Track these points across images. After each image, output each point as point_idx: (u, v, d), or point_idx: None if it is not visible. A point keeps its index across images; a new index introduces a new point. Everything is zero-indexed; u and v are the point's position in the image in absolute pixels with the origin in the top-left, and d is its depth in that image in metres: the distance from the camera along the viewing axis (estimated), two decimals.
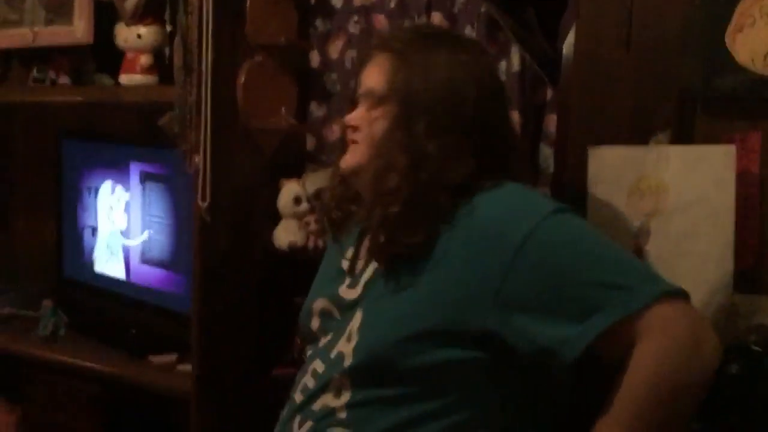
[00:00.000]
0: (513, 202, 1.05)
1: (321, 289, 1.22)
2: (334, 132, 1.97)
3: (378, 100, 1.11)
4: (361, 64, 1.18)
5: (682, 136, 1.19)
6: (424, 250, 1.05)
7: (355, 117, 1.14)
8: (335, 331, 1.14)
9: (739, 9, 1.12)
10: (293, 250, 1.86)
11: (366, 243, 1.15)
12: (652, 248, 1.21)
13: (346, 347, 1.09)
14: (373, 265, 1.12)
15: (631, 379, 0.95)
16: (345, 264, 1.18)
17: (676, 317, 0.96)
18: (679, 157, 1.18)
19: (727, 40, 1.14)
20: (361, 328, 1.08)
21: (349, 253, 1.19)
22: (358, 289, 1.13)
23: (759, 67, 1.11)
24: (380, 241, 1.08)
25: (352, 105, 1.18)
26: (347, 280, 1.16)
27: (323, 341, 1.15)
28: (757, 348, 1.07)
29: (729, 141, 1.14)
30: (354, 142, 1.14)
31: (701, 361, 0.95)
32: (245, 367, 1.88)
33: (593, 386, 1.01)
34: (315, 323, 1.19)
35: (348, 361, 1.07)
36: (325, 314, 1.18)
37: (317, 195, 1.82)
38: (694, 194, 1.17)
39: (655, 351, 0.94)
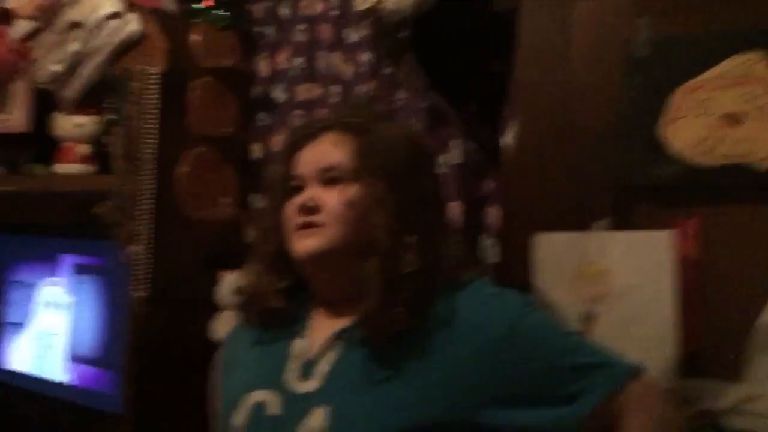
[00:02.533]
0: (491, 302, 1.04)
1: (257, 378, 1.09)
2: None
3: (350, 176, 1.05)
4: (296, 147, 1.11)
5: (623, 223, 1.23)
6: (410, 339, 1.01)
7: (309, 197, 1.06)
8: (275, 430, 1.03)
9: (673, 101, 1.18)
10: None
11: (318, 327, 1.08)
12: (598, 333, 1.22)
13: None
14: (333, 354, 1.05)
15: None
16: (296, 347, 1.08)
17: (647, 391, 1.03)
18: (620, 243, 1.21)
19: (660, 131, 1.20)
20: (334, 425, 0.99)
21: (300, 337, 1.09)
22: (316, 381, 1.03)
23: (692, 157, 1.16)
24: (382, 321, 1.00)
25: (290, 190, 1.10)
26: (296, 370, 1.06)
27: None
28: None
29: (669, 227, 1.17)
30: (313, 224, 1.05)
31: (674, 426, 1.06)
32: None
33: None
34: (240, 419, 1.06)
35: None
36: (257, 409, 1.06)
37: None
38: (637, 279, 1.20)
39: (641, 425, 1.01)
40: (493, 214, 1.71)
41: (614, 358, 1.03)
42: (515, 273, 1.31)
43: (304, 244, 1.05)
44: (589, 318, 1.23)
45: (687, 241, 1.17)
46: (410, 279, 1.01)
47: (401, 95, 1.86)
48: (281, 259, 1.10)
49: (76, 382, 2.03)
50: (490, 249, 1.73)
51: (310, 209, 1.05)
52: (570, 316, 1.23)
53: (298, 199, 1.07)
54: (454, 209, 1.78)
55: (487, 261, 1.74)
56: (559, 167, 1.28)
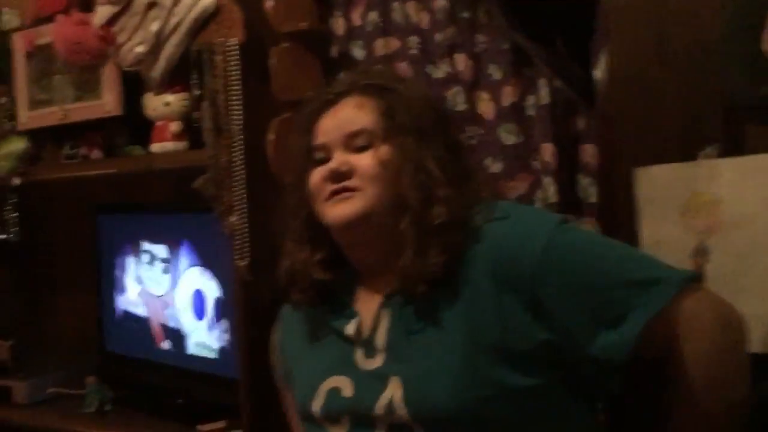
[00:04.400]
0: (522, 223, 1.03)
1: (327, 366, 1.09)
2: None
3: (378, 138, 1.05)
4: (315, 116, 1.10)
5: (733, 148, 1.15)
6: (454, 287, 1.00)
7: (340, 162, 1.05)
8: (352, 412, 1.03)
9: None
10: None
11: (365, 303, 1.09)
12: (712, 267, 1.17)
13: (392, 419, 0.99)
14: (383, 326, 1.05)
15: (688, 391, 0.96)
16: (350, 329, 1.08)
17: (700, 306, 0.97)
18: (731, 170, 1.15)
19: (765, 45, 1.11)
20: (408, 393, 0.99)
21: (351, 319, 1.09)
22: (381, 355, 1.04)
23: None
24: (418, 273, 1.00)
25: (313, 162, 1.09)
26: (360, 349, 1.07)
27: (335, 428, 1.05)
28: None
29: None
30: (348, 189, 1.04)
31: (736, 339, 0.97)
32: None
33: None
34: (317, 404, 1.07)
35: None
36: (332, 394, 1.06)
37: None
38: (752, 207, 1.13)
39: (700, 351, 0.95)
40: (588, 153, 1.65)
41: (664, 270, 0.98)
42: (618, 212, 1.26)
43: (342, 210, 1.05)
44: (702, 252, 1.17)
45: None
46: (442, 229, 1.00)
47: (481, 39, 1.81)
48: (314, 232, 1.11)
49: (189, 351, 2.12)
50: (588, 189, 1.68)
51: (343, 174, 1.05)
52: (681, 251, 1.18)
53: (328, 166, 1.06)
54: (547, 150, 1.73)
55: (587, 201, 1.69)
56: (658, 96, 1.21)
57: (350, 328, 1.08)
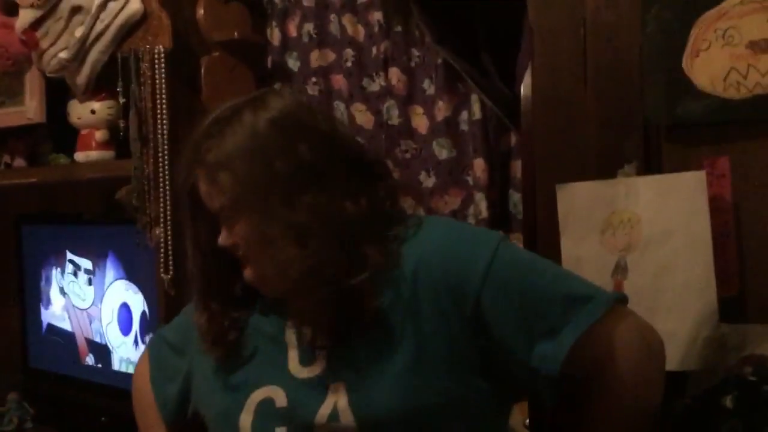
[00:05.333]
0: (465, 239, 1.03)
1: (257, 378, 1.05)
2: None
3: (236, 211, 1.01)
4: (190, 190, 1.05)
5: (650, 167, 1.16)
6: (391, 303, 0.99)
7: (225, 239, 1.03)
8: (289, 422, 1.00)
9: (694, 34, 1.11)
10: None
11: (299, 312, 1.05)
12: (630, 283, 1.17)
13: (336, 427, 0.97)
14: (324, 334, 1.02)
15: (610, 406, 1.01)
16: (289, 336, 1.05)
17: (626, 327, 1.00)
18: (649, 188, 1.15)
19: (684, 66, 1.13)
20: (355, 397, 0.97)
21: (287, 330, 1.06)
22: (320, 363, 1.01)
23: (720, 91, 1.09)
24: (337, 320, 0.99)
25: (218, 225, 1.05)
26: (296, 357, 1.04)
27: None
28: (753, 378, 1.02)
29: (698, 168, 1.11)
30: (246, 258, 1.03)
31: (657, 361, 1.02)
32: None
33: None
34: (246, 420, 1.03)
35: None
36: (264, 406, 1.03)
37: None
38: (669, 225, 1.14)
39: (624, 372, 0.99)
40: (519, 169, 1.66)
41: (596, 288, 1.01)
42: (541, 228, 1.25)
43: (246, 275, 1.03)
44: (621, 270, 1.18)
45: (719, 181, 1.10)
46: (331, 262, 0.98)
47: (416, 53, 1.81)
48: (226, 282, 1.08)
49: (114, 366, 2.06)
50: (519, 204, 1.69)
51: (234, 247, 1.03)
52: (601, 268, 1.18)
53: (219, 241, 1.03)
54: (479, 166, 1.73)
55: (518, 216, 1.69)
56: (579, 114, 1.21)
57: (290, 335, 1.05)
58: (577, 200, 1.20)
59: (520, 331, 0.98)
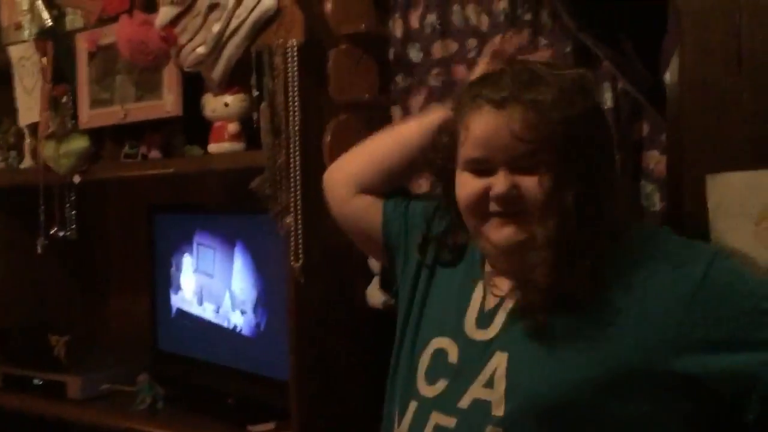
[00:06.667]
0: (675, 257, 1.00)
1: (440, 325, 1.11)
2: (420, 186, 1.94)
3: (548, 164, 0.99)
4: (473, 111, 1.03)
5: None
6: (590, 299, 0.99)
7: (515, 186, 1.00)
8: (453, 377, 1.04)
9: None
10: (387, 308, 1.81)
11: (495, 277, 1.08)
12: None
13: (487, 394, 1.00)
14: (509, 304, 1.05)
15: None
16: (474, 299, 1.09)
17: None
18: None
19: None
20: (511, 371, 0.99)
21: (477, 287, 1.10)
22: (492, 330, 1.05)
23: None
24: (548, 294, 0.99)
25: (468, 167, 1.05)
26: (474, 318, 1.07)
27: (430, 389, 1.06)
28: None
29: None
30: (514, 214, 1.01)
31: None
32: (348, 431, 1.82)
33: None
34: (424, 364, 1.09)
35: (498, 411, 0.98)
36: (438, 356, 1.08)
37: None
38: None
39: None
40: (653, 159, 1.60)
41: None
42: (687, 220, 1.21)
43: (507, 235, 1.02)
44: None
45: None
46: (580, 246, 0.98)
47: (543, 41, 1.78)
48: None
49: (245, 352, 2.13)
50: (652, 196, 1.63)
51: (513, 199, 1.01)
52: (755, 261, 1.13)
53: (495, 191, 1.02)
54: None
55: (651, 209, 1.64)
56: (730, 101, 1.16)
57: (475, 296, 1.09)
58: (730, 191, 1.15)
59: (731, 339, 0.95)
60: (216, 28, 1.80)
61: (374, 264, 1.85)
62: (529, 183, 1.00)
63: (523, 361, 1.00)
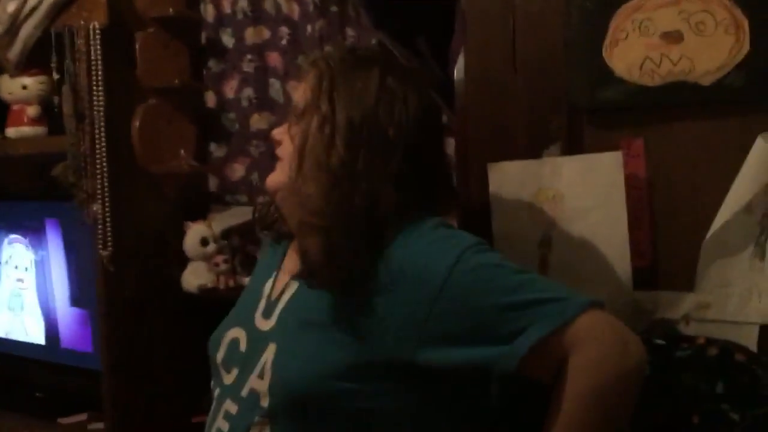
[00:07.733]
0: (434, 246, 1.00)
1: (237, 316, 1.15)
2: (235, 171, 1.96)
3: (299, 114, 1.05)
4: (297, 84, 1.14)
5: (573, 148, 1.25)
6: (358, 280, 0.98)
7: (277, 131, 1.11)
8: (241, 366, 1.06)
9: (613, 24, 1.19)
10: (203, 293, 1.83)
11: (287, 267, 1.10)
12: (555, 256, 1.26)
13: (259, 385, 1.01)
14: (288, 293, 1.07)
15: (573, 389, 0.93)
16: (267, 286, 1.12)
17: (600, 325, 0.95)
18: (571, 167, 1.24)
19: (604, 54, 1.21)
20: (275, 363, 1.01)
21: (270, 280, 1.12)
22: (272, 320, 1.07)
23: (636, 78, 1.18)
24: (311, 269, 0.99)
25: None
26: (262, 307, 1.10)
27: (228, 377, 1.08)
28: (660, 341, 1.13)
29: (616, 148, 1.20)
30: (279, 158, 1.09)
31: (633, 359, 0.95)
32: (162, 419, 1.82)
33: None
34: (220, 355, 1.11)
35: (265, 402, 1.00)
36: (232, 345, 1.10)
37: (225, 234, 1.80)
38: (589, 201, 1.23)
39: (592, 358, 0.93)
40: (450, 147, 1.72)
41: (565, 293, 0.96)
42: (475, 202, 1.33)
43: (269, 178, 1.11)
44: (546, 244, 1.26)
45: (634, 161, 1.20)
46: (349, 223, 0.98)
47: (350, 33, 1.85)
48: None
49: (51, 342, 2.05)
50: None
51: (276, 143, 1.10)
52: (529, 241, 1.26)
53: (277, 132, 1.12)
54: None
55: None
56: (508, 97, 1.28)
57: (267, 287, 1.12)
58: (507, 178, 1.28)
59: (476, 332, 0.95)
60: (11, 7, 1.71)
61: (189, 249, 1.85)
62: (295, 129, 1.07)
63: (287, 353, 1.00)
